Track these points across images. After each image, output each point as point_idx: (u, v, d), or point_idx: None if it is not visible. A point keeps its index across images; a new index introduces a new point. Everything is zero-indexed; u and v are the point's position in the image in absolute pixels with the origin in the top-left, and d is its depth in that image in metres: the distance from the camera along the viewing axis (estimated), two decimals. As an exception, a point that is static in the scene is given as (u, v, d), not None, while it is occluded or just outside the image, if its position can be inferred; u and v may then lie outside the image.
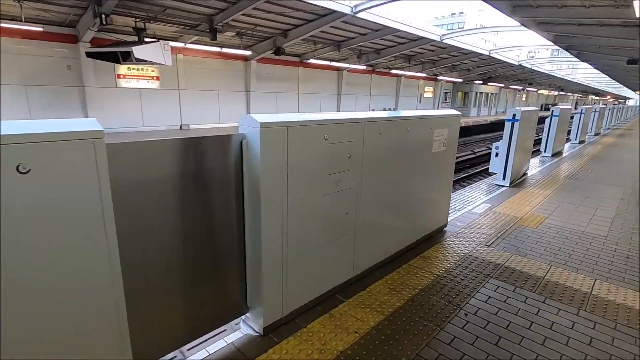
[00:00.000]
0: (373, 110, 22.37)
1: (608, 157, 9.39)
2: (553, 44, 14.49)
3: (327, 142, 2.22)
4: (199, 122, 14.16)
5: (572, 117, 11.61)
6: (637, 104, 63.51)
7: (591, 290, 2.76)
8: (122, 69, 11.97)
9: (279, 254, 2.12)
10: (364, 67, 18.45)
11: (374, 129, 2.59)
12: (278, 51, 13.56)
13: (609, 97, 67.88)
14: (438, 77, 26.22)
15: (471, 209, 4.78)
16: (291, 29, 12.95)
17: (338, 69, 19.27)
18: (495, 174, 6.58)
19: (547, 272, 3.03)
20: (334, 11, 11.16)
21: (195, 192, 1.82)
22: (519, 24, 12.21)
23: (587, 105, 25.30)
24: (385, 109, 23.28)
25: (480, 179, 10.83)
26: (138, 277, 1.64)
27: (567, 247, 3.57)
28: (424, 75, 23.06)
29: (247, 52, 13.92)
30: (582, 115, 12.16)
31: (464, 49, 17.85)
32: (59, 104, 10.97)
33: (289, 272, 2.21)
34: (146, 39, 9.99)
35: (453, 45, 17.13)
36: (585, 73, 36.33)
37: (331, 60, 16.11)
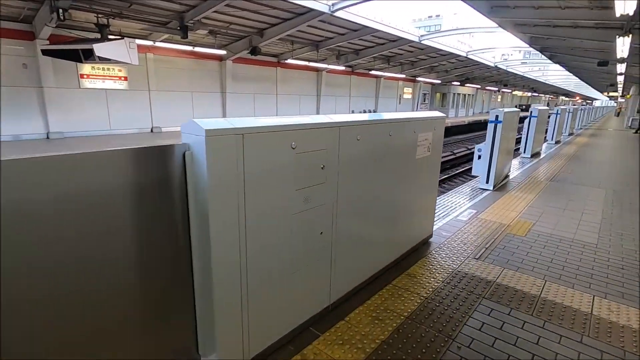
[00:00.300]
0: (353, 111, 22.18)
1: (584, 158, 9.46)
2: (528, 45, 14.69)
3: (295, 151, 1.86)
4: (171, 124, 13.49)
5: (549, 117, 11.72)
6: (603, 105, 66.44)
7: (591, 310, 2.51)
8: (86, 68, 11.19)
9: (236, 286, 1.73)
10: (342, 68, 18.22)
11: (351, 134, 2.25)
12: (254, 51, 13.10)
13: (577, 98, 70.73)
14: (417, 79, 26.37)
15: (456, 215, 4.52)
16: (267, 28, 12.52)
17: (317, 70, 18.96)
18: (477, 176, 6.42)
19: (542, 289, 2.77)
20: (311, 9, 10.83)
21: (127, 216, 1.41)
22: (496, 25, 12.27)
23: (561, 106, 26.06)
24: (365, 111, 23.16)
25: (462, 181, 10.75)
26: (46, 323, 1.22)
27: (559, 258, 3.34)
28: (403, 76, 23.09)
29: (221, 52, 13.38)
30: (558, 116, 12.31)
31: (442, 50, 17.92)
32: (14, 106, 10.10)
33: (251, 307, 1.82)
34: (110, 37, 9.33)
35: (431, 47, 17.16)
36: (555, 75, 37.64)
37: (310, 61, 15.78)
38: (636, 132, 17.81)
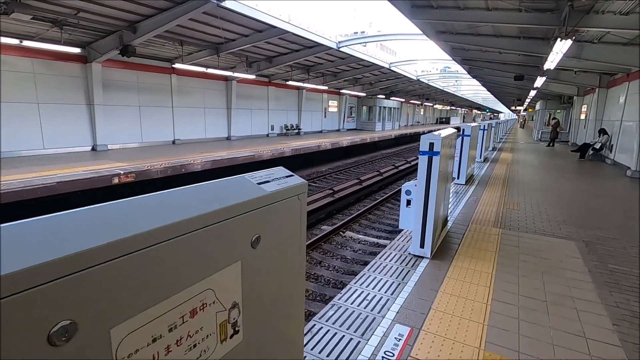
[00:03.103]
0: (272, 127, 19.81)
1: (522, 181, 8.22)
2: (450, 56, 13.85)
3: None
4: (16, 147, 9.66)
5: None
6: (508, 118, 73.85)
7: None
8: None
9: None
10: (254, 77, 15.78)
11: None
12: (125, 51, 9.98)
13: (485, 111, 77.72)
14: (342, 91, 25.06)
15: (376, 346, 2.24)
16: (140, 21, 9.57)
17: (226, 79, 16.24)
18: (403, 230, 4.37)
19: None
20: (191, -3, 8.25)
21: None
22: (418, 33, 10.96)
23: (477, 119, 26.88)
24: (286, 126, 20.94)
25: (390, 208, 8.90)
26: None
27: None
28: (326, 88, 21.45)
29: (76, 50, 9.99)
30: (485, 132, 11.33)
31: (364, 60, 16.53)
32: None
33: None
34: None
35: (353, 56, 15.64)
36: (466, 90, 39.96)
37: (209, 67, 13.03)
38: (548, 146, 18.26)
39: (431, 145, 3.51)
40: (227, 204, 0.81)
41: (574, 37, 5.99)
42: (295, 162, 14.34)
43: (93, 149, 11.56)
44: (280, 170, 1.06)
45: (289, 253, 1.03)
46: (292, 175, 1.05)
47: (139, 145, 12.97)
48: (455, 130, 5.00)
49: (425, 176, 3.63)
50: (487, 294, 3.03)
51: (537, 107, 27.18)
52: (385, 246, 6.52)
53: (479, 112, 77.47)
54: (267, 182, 0.96)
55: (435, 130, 4.04)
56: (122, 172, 7.86)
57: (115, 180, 7.72)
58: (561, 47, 6.41)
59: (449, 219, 5.20)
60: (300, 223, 1.04)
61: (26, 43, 9.03)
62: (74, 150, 11.06)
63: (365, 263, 5.78)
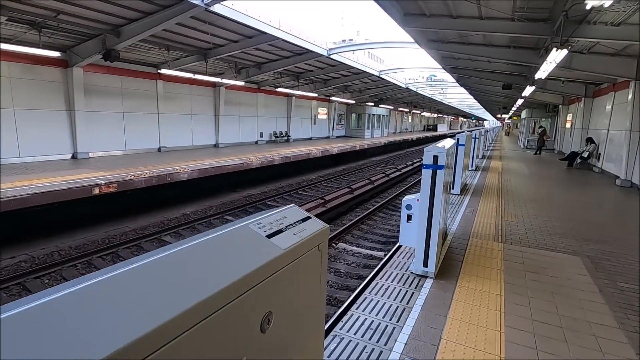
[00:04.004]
0: (261, 134, 19.51)
1: (515, 191, 8.14)
2: (440, 65, 13.89)
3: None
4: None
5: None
6: (493, 126, 75.19)
7: None
8: None
9: None
10: (242, 84, 15.49)
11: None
12: (109, 55, 9.59)
13: (469, 118, 78.99)
14: (331, 98, 24.97)
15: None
16: (124, 25, 9.21)
17: (214, 85, 15.90)
18: (404, 246, 4.16)
19: None
20: (180, 1, 7.97)
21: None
22: (408, 41, 10.93)
23: (464, 127, 27.15)
24: (275, 133, 20.67)
25: (382, 217, 8.69)
26: None
27: None
28: (316, 95, 21.31)
29: (56, 54, 9.54)
30: (476, 140, 11.30)
31: (354, 67, 16.46)
32: None
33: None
34: None
35: (343, 63, 15.54)
36: (452, 98, 40.48)
37: (196, 73, 12.68)
38: (536, 154, 18.48)
39: (435, 158, 3.31)
40: (227, 281, 0.55)
41: (570, 47, 5.96)
42: (285, 169, 14.06)
43: (73, 157, 11.03)
44: (294, 212, 0.80)
45: (305, 327, 0.76)
46: (309, 218, 0.80)
47: (122, 153, 12.49)
48: (454, 141, 4.84)
49: (429, 191, 3.42)
50: (499, 319, 2.81)
51: (523, 115, 27.68)
52: (379, 258, 6.30)
53: (464, 119, 78.65)
54: (280, 231, 0.71)
55: (428, 141, 3.86)
56: (103, 182, 7.45)
57: (96, 191, 7.29)
58: (555, 57, 6.38)
59: (448, 232, 5.01)
60: (320, 282, 0.78)
61: (2, 46, 8.55)
62: (52, 159, 10.52)
63: (360, 277, 5.54)
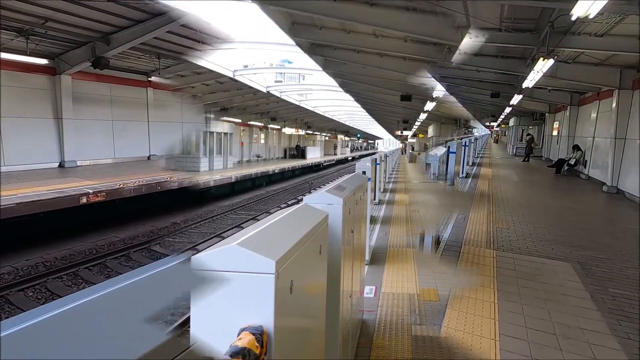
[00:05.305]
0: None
1: (506, 197, 8.23)
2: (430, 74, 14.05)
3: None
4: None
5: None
6: (482, 133, 76.28)
7: None
8: None
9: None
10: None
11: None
12: (98, 62, 9.48)
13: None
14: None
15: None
16: (114, 32, 9.16)
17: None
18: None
19: None
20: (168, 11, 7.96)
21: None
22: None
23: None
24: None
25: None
26: None
27: None
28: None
29: (44, 61, 9.42)
30: (466, 147, 11.44)
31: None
32: None
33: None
34: None
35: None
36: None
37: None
38: (524, 161, 18.77)
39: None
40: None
41: (556, 57, 6.10)
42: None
43: (60, 165, 10.83)
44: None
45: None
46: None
47: (111, 161, 12.32)
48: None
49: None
50: (494, 327, 2.80)
51: (511, 123, 28.19)
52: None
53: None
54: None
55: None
56: (90, 191, 7.31)
57: (84, 200, 7.15)
58: (542, 67, 6.54)
59: (440, 239, 5.02)
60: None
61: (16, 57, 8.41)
62: (39, 167, 10.30)
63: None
